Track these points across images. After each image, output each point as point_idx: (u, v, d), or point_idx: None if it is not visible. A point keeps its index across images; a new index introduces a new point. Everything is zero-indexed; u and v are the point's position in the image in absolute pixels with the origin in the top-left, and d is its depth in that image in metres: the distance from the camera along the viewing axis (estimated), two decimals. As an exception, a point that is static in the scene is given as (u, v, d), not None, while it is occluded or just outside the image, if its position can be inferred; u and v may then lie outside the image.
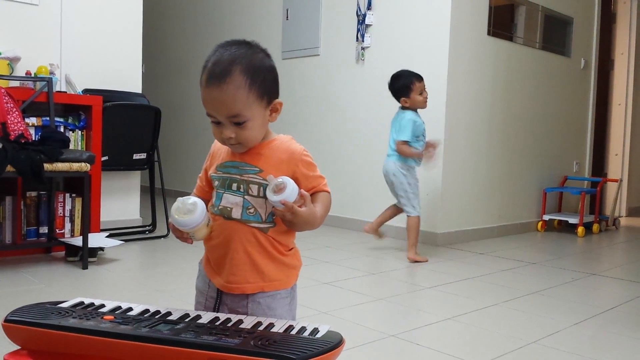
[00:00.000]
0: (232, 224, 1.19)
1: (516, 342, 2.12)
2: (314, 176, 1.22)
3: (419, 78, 3.50)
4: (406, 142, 3.47)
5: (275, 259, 1.21)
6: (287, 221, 1.14)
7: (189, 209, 1.15)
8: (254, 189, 1.18)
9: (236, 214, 1.19)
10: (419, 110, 3.55)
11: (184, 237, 1.20)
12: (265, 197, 1.17)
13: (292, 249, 1.26)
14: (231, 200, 1.20)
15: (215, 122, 1.16)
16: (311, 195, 1.19)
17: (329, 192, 1.25)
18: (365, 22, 4.55)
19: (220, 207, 1.21)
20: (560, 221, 5.23)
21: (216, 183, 1.23)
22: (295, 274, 1.26)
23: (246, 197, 1.19)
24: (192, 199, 1.17)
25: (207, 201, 1.26)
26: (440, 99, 4.10)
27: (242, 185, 1.19)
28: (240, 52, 1.15)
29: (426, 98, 3.52)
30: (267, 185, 1.14)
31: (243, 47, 1.16)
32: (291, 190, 1.11)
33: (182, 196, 1.20)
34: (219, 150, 1.27)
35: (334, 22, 4.84)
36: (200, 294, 1.29)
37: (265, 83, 1.17)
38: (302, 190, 1.14)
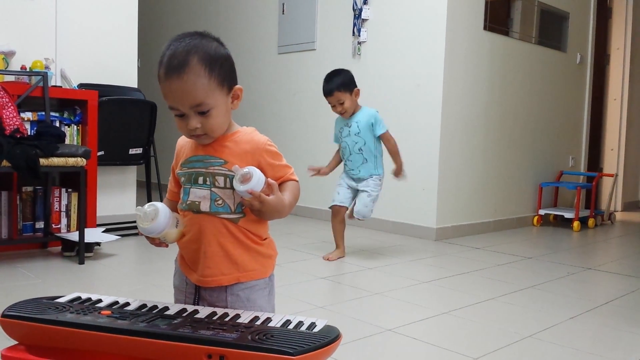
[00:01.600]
0: (202, 217, 1.20)
1: (512, 336, 2.13)
2: (280, 165, 1.24)
3: (325, 93, 3.31)
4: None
5: (249, 249, 1.22)
6: (255, 210, 1.15)
7: (151, 216, 1.16)
8: (220, 180, 1.20)
9: (205, 206, 1.20)
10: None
11: (157, 242, 1.22)
12: (232, 188, 1.18)
13: (266, 238, 1.27)
14: (198, 194, 1.20)
15: (179, 116, 1.17)
16: (279, 184, 1.21)
17: (297, 181, 1.26)
18: (362, 17, 4.54)
19: (188, 202, 1.22)
20: (556, 216, 5.24)
21: (182, 179, 1.24)
22: (272, 264, 1.28)
23: (213, 189, 1.20)
24: (153, 205, 1.17)
25: (176, 204, 1.28)
26: (436, 93, 4.10)
27: (208, 178, 1.20)
28: (195, 42, 1.16)
29: (340, 112, 3.33)
30: (234, 176, 1.15)
31: (196, 38, 1.18)
32: (257, 180, 1.13)
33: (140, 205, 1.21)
34: (182, 147, 1.28)
35: (330, 16, 4.83)
36: (179, 291, 1.30)
37: (224, 70, 1.18)
38: (268, 179, 1.16)
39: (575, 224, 4.85)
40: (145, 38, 5.89)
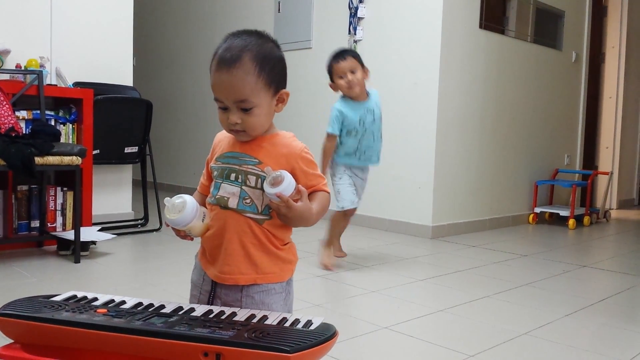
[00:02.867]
0: (228, 214, 1.20)
1: (508, 334, 2.14)
2: (313, 174, 1.23)
3: (338, 58, 3.00)
4: (331, 136, 3.06)
5: (269, 252, 1.21)
6: (282, 215, 1.15)
7: (179, 208, 1.17)
8: (252, 179, 1.19)
9: (232, 203, 1.20)
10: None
11: (182, 235, 1.22)
12: (262, 188, 1.17)
13: (287, 243, 1.26)
14: (229, 190, 1.20)
15: (222, 108, 1.18)
16: (310, 193, 1.20)
17: (328, 193, 1.25)
18: (358, 15, 4.54)
19: (217, 196, 1.21)
20: (551, 214, 5.26)
21: (215, 173, 1.24)
22: (291, 269, 1.27)
23: (244, 187, 1.20)
24: (181, 197, 1.18)
25: (205, 197, 1.28)
26: (432, 91, 4.11)
27: (240, 176, 1.20)
28: (251, 40, 1.17)
29: (349, 82, 2.97)
30: (265, 177, 1.15)
31: (254, 36, 1.19)
32: (288, 184, 1.12)
33: (173, 189, 1.22)
34: (220, 142, 1.28)
35: (326, 14, 4.83)
36: (195, 287, 1.29)
37: (274, 72, 1.19)
38: (299, 185, 1.15)
39: (571, 221, 4.86)
40: (141, 36, 5.88)
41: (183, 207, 1.17)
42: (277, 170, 1.15)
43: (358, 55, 3.06)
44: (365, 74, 3.02)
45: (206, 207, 1.24)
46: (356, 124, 3.03)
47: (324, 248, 3.15)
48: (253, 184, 1.19)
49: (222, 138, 1.28)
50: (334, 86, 3.06)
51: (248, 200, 1.19)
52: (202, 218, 1.20)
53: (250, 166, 1.20)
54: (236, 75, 1.13)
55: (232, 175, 1.21)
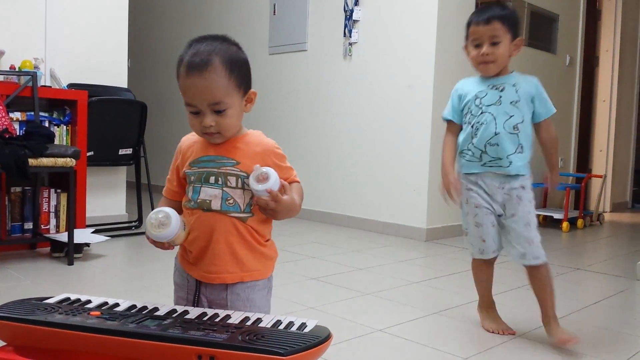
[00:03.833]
0: (212, 216, 1.23)
1: (502, 336, 2.14)
2: (285, 167, 1.29)
3: (477, 19, 2.06)
4: (448, 122, 2.23)
5: (254, 249, 1.25)
6: (270, 210, 1.18)
7: (163, 222, 1.17)
8: (232, 180, 1.23)
9: (216, 205, 1.23)
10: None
11: (165, 247, 1.23)
12: (243, 187, 1.22)
13: (268, 239, 1.30)
14: (210, 193, 1.23)
15: (194, 113, 1.20)
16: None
17: (299, 182, 1.31)
18: (353, 18, 4.55)
19: (198, 200, 1.24)
20: (545, 216, 5.27)
21: (192, 178, 1.27)
22: (272, 265, 1.31)
23: (225, 188, 1.23)
24: (163, 211, 1.18)
25: (176, 203, 1.30)
26: (427, 94, 4.11)
27: (220, 178, 1.23)
28: (216, 44, 1.21)
29: (484, 55, 2.07)
30: (246, 176, 1.20)
31: (218, 40, 1.23)
32: (275, 179, 1.16)
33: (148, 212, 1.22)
34: (189, 148, 1.30)
35: (322, 17, 4.84)
36: (180, 288, 1.32)
37: (242, 73, 1.23)
38: (281, 180, 1.20)
39: (564, 224, 4.87)
40: (136, 38, 5.87)
41: (168, 220, 1.17)
42: (263, 167, 1.18)
43: (513, 18, 2.08)
44: (517, 47, 2.11)
45: (179, 213, 1.25)
46: (469, 103, 2.15)
47: (481, 312, 2.28)
48: (234, 185, 1.23)
49: (191, 143, 1.30)
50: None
51: (231, 201, 1.23)
52: (184, 226, 1.22)
53: (229, 167, 1.23)
54: (208, 78, 1.16)
55: (212, 178, 1.24)
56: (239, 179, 1.22)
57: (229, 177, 1.23)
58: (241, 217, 1.23)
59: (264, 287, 1.28)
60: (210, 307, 1.26)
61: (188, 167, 1.28)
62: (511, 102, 2.07)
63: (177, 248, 1.31)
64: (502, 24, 2.03)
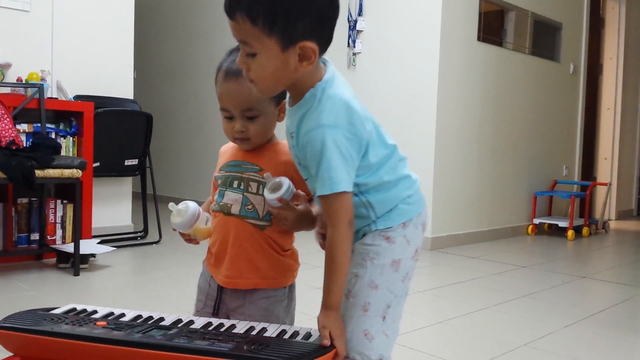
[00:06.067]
0: (231, 220, 1.24)
1: (507, 345, 2.13)
2: None
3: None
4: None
5: (270, 257, 1.25)
6: (282, 219, 1.18)
7: (180, 212, 1.24)
8: (254, 186, 1.24)
9: (235, 209, 1.24)
10: None
11: (187, 238, 1.29)
12: (263, 195, 1.21)
13: (288, 249, 1.30)
14: (231, 197, 1.25)
15: (228, 117, 1.23)
16: (309, 200, 1.25)
17: None
18: (357, 28, 4.57)
19: (221, 203, 1.26)
20: (550, 225, 5.26)
21: (219, 182, 1.29)
22: (292, 275, 1.31)
23: (245, 194, 1.24)
24: (185, 203, 1.25)
25: None
26: (430, 104, 4.12)
27: (242, 183, 1.25)
28: None
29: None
30: (265, 183, 1.19)
31: None
32: (286, 189, 1.15)
33: (173, 202, 1.28)
34: (224, 153, 1.33)
35: (325, 27, 4.85)
36: (201, 292, 1.32)
37: None
38: (298, 190, 1.19)
39: (570, 232, 4.86)
40: (141, 50, 5.91)
41: (185, 211, 1.23)
42: (277, 176, 1.18)
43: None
44: None
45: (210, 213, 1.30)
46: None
47: None
48: (254, 191, 1.23)
49: (227, 149, 1.33)
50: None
51: (250, 207, 1.23)
52: (206, 222, 1.26)
53: (251, 173, 1.24)
54: (244, 84, 1.17)
55: (235, 183, 1.25)
56: (260, 186, 1.22)
57: (250, 183, 1.24)
58: (258, 225, 1.23)
59: (283, 297, 1.27)
60: (228, 316, 1.26)
61: (219, 171, 1.30)
62: None
63: (196, 253, 1.33)
64: None
